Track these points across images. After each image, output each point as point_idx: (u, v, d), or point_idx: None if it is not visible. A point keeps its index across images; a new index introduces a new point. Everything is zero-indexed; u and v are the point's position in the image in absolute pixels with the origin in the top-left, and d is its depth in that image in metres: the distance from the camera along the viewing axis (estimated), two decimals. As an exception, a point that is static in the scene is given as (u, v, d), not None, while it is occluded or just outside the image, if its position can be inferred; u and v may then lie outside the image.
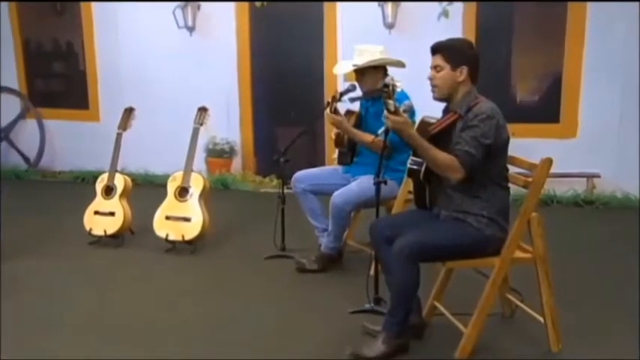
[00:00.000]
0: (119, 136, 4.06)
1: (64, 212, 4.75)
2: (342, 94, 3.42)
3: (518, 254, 2.47)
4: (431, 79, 2.43)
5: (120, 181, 4.03)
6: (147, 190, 5.00)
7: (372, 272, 2.86)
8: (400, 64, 3.38)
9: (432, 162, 2.31)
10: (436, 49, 2.42)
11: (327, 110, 3.36)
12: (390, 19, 5.42)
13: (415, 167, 2.44)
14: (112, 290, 3.24)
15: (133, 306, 3.04)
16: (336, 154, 3.63)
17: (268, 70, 6.22)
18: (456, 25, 5.26)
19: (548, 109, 5.54)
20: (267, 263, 3.68)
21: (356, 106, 3.59)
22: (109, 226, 3.95)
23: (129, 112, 4.15)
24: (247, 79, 6.14)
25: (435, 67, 2.42)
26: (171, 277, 3.45)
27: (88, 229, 3.97)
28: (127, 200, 4.04)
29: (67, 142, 6.46)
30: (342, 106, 3.48)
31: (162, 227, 3.83)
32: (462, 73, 2.38)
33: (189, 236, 3.79)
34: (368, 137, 3.14)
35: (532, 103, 5.75)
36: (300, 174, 3.61)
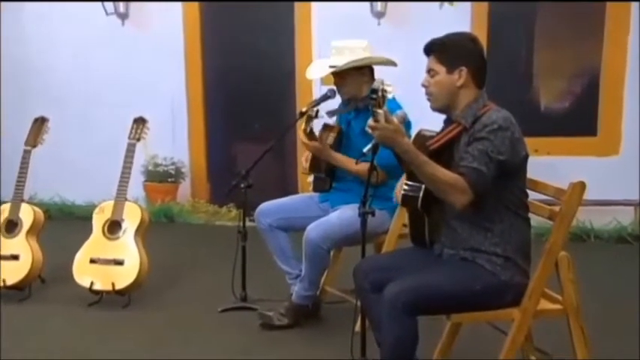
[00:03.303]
0: (27, 155, 4.07)
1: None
2: (317, 104, 3.46)
3: (544, 305, 2.53)
4: (425, 85, 2.51)
5: (27, 214, 4.02)
6: (64, 225, 4.99)
7: (357, 328, 2.90)
8: (391, 64, 3.47)
9: (430, 181, 2.36)
10: (429, 49, 2.51)
11: (301, 131, 3.41)
12: (379, 7, 5.52)
13: (411, 193, 2.50)
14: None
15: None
16: (311, 179, 3.69)
17: (224, 71, 6.30)
18: (463, 14, 5.41)
19: (581, 119, 5.67)
20: (223, 317, 3.69)
21: (334, 118, 3.66)
22: (11, 273, 3.91)
23: (40, 123, 4.16)
24: (198, 81, 6.22)
25: (428, 72, 2.51)
26: (96, 341, 3.43)
27: (-21, 278, 3.91)
28: (36, 239, 4.03)
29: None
30: (319, 120, 3.54)
31: (86, 273, 3.83)
32: (461, 75, 2.46)
33: (121, 284, 3.79)
34: (352, 162, 3.16)
35: (560, 110, 5.86)
36: (265, 206, 3.65)
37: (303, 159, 3.61)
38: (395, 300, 2.33)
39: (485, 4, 5.60)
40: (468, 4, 5.53)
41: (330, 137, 3.48)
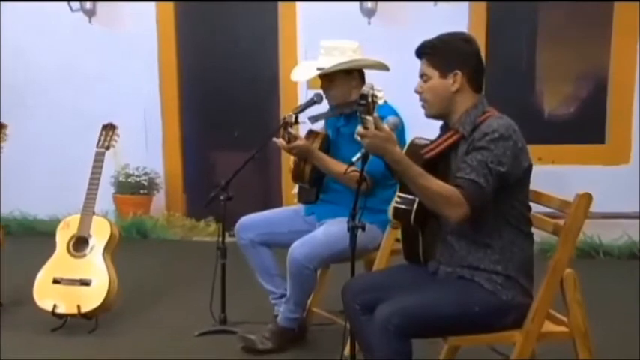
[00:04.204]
0: (-17, 165, 4.07)
1: None
2: (302, 110, 3.47)
3: (548, 327, 2.55)
4: (418, 91, 2.53)
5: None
6: (25, 242, 4.97)
7: (346, 352, 2.90)
8: (383, 68, 3.50)
9: (424, 194, 2.37)
10: (420, 52, 2.53)
11: (281, 139, 3.37)
12: (369, 5, 5.55)
13: (403, 207, 2.52)
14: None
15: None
16: (296, 190, 3.70)
17: (202, 73, 6.31)
18: (459, 12, 5.46)
19: (588, 125, 5.73)
20: (200, 341, 3.69)
21: (321, 125, 3.68)
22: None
23: (-5, 129, 4.15)
24: (173, 84, 6.23)
25: (421, 76, 2.53)
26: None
27: None
28: (-7, 257, 4.02)
29: None
30: (303, 126, 3.56)
31: (48, 295, 3.80)
32: (456, 79, 2.48)
33: (88, 307, 3.77)
34: (343, 167, 3.14)
35: (566, 116, 5.92)
36: (247, 220, 3.66)
37: (291, 163, 3.58)
38: (387, 322, 2.34)
39: (483, 4, 5.64)
40: (465, 3, 5.57)
41: (315, 144, 3.47)
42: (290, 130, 3.38)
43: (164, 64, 6.19)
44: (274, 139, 3.43)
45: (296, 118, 3.44)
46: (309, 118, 3.52)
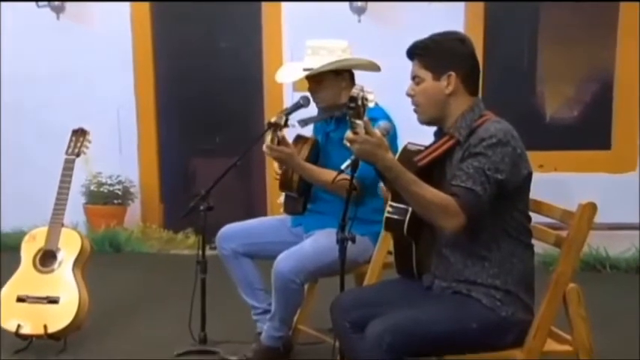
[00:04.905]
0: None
1: None
2: (288, 113, 3.46)
3: (551, 345, 2.57)
4: (410, 94, 2.55)
5: None
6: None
7: (335, 373, 2.92)
8: (374, 68, 3.52)
9: (417, 203, 2.38)
10: (411, 53, 2.55)
11: (268, 140, 3.38)
12: (359, 2, 5.58)
13: (396, 216, 2.53)
14: None
15: None
16: (281, 199, 3.71)
17: (181, 75, 6.32)
18: (455, 10, 5.50)
19: (592, 130, 5.76)
20: (179, 364, 3.69)
21: (309, 130, 3.69)
22: None
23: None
24: (149, 86, 6.22)
25: (413, 79, 2.54)
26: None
27: None
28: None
29: None
30: (291, 131, 3.54)
31: (12, 314, 3.77)
32: (450, 81, 2.49)
33: (55, 327, 3.74)
34: (330, 175, 3.14)
35: (568, 120, 5.96)
36: (229, 229, 3.66)
37: (276, 169, 3.57)
38: (379, 340, 2.34)
39: (481, 2, 5.68)
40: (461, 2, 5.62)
41: (304, 150, 3.49)
42: (279, 132, 3.36)
43: (139, 64, 6.19)
44: (264, 147, 3.40)
45: (286, 120, 3.42)
46: (298, 122, 3.53)
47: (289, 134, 3.51)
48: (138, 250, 5.96)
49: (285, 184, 3.54)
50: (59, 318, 3.76)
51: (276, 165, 3.57)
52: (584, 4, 5.74)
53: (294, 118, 3.52)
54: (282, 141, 3.37)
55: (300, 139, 3.56)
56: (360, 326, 2.46)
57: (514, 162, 2.39)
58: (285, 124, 3.41)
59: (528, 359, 2.49)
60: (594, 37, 5.78)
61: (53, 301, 3.78)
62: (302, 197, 3.55)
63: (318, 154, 3.53)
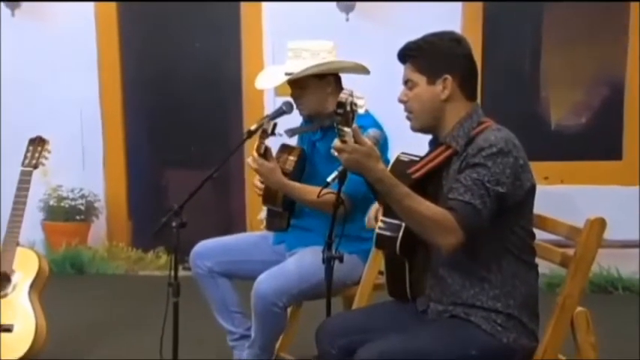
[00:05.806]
0: None
1: None
2: (269, 120, 3.40)
3: (557, 373, 2.57)
4: (403, 100, 2.55)
5: None
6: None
7: (321, 406, 2.92)
8: (362, 71, 3.53)
9: (411, 218, 2.37)
10: (404, 55, 2.56)
11: (254, 150, 3.34)
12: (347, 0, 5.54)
13: (387, 233, 2.53)
14: None
15: None
16: (263, 214, 3.71)
17: (151, 78, 6.31)
18: (451, 9, 5.52)
19: (602, 139, 5.78)
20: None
21: (294, 139, 3.67)
22: None
23: None
24: (115, 90, 6.21)
25: (405, 83, 2.55)
26: None
27: None
28: None
29: None
30: (275, 140, 3.52)
31: (-38, 343, 3.77)
32: (446, 86, 2.50)
33: (9, 357, 3.71)
34: (315, 193, 3.04)
35: (576, 128, 5.98)
36: (204, 245, 3.66)
37: (256, 182, 3.53)
38: (370, 368, 2.34)
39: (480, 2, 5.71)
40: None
41: (290, 162, 3.48)
42: (265, 141, 3.33)
43: (105, 67, 6.17)
44: (249, 158, 3.37)
45: (274, 126, 3.37)
46: (286, 131, 3.49)
47: (272, 144, 3.49)
48: (103, 272, 5.93)
49: (268, 198, 3.52)
50: (13, 348, 3.72)
51: (257, 178, 3.54)
52: (592, 2, 5.78)
53: (282, 126, 3.48)
54: (265, 152, 3.35)
55: (285, 148, 3.55)
56: (348, 354, 2.47)
57: (516, 174, 2.39)
58: (273, 132, 3.37)
59: (532, 390, 2.50)
60: (602, 37, 5.80)
61: (6, 329, 3.75)
62: (287, 212, 3.54)
63: (304, 164, 3.53)
